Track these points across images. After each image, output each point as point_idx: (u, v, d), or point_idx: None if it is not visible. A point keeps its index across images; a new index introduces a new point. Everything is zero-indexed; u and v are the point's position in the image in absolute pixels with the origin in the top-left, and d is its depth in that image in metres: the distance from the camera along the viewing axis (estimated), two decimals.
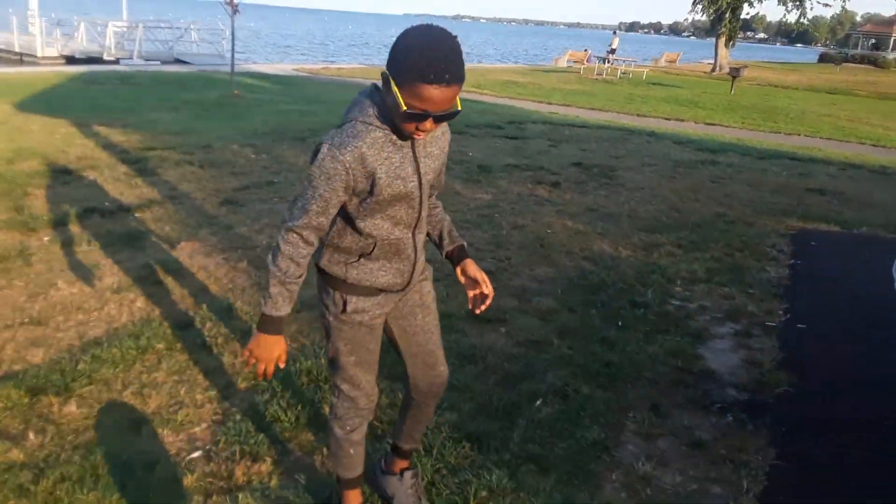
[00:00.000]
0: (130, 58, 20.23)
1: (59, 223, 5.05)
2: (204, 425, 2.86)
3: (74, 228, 4.99)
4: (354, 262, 1.90)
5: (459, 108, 1.69)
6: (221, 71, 16.75)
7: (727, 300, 4.50)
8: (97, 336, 3.47)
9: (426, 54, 1.58)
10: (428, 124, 1.67)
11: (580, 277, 4.69)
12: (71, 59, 20.02)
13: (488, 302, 2.06)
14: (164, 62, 20.45)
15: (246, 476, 2.56)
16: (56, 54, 20.24)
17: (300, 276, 1.85)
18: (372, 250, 1.88)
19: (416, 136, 1.72)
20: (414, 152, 1.82)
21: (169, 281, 4.18)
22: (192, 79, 15.45)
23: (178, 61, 21.04)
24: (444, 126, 1.92)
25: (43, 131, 8.33)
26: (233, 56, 13.63)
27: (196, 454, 2.68)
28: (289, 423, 2.85)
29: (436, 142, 1.90)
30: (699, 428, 3.04)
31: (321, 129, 9.66)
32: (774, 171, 9.21)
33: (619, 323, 4.00)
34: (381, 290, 1.94)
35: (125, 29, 21.67)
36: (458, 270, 2.09)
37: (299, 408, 2.95)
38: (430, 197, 2.03)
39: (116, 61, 19.62)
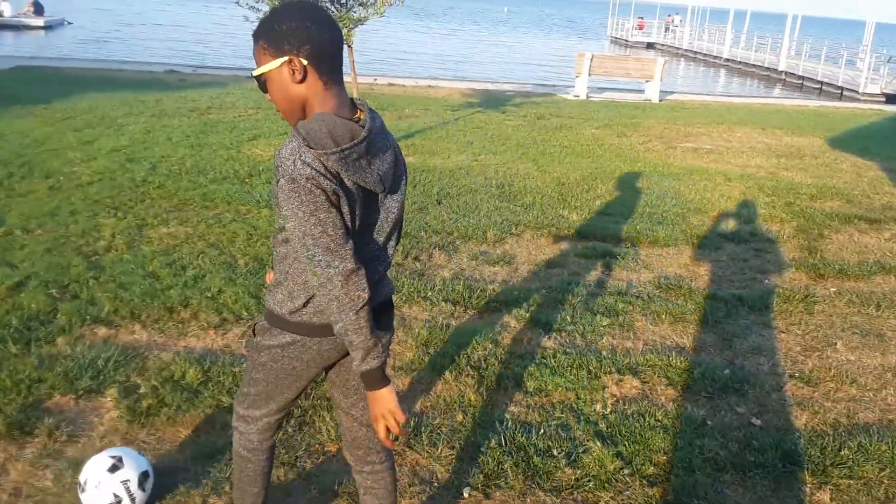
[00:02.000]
0: None
1: (848, 275, 4.71)
2: None
3: (864, 285, 4.57)
4: None
5: (255, 77, 1.50)
6: None
7: None
8: (868, 421, 3.02)
9: None
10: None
11: None
12: (891, 98, 19.14)
13: None
14: None
15: None
16: (878, 91, 19.66)
17: None
18: None
19: None
20: None
21: None
22: None
23: None
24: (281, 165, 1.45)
25: (851, 171, 8.09)
26: None
27: None
28: None
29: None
30: None
31: None
32: None
33: None
34: None
35: None
36: None
37: None
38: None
39: None
